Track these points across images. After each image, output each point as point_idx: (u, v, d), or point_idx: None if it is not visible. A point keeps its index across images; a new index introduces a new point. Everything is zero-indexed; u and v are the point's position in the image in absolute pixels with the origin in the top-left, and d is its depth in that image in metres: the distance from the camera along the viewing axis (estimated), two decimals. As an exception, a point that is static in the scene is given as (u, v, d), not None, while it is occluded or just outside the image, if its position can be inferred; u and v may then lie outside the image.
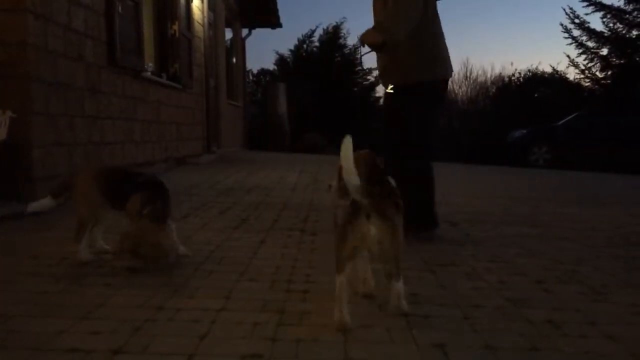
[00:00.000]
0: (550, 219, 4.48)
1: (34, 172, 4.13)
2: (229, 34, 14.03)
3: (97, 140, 5.23)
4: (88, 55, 5.06)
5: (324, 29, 21.43)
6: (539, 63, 41.93)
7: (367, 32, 3.31)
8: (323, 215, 4.24)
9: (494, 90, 20.22)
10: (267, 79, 21.41)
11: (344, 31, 21.41)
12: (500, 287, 2.46)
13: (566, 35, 18.13)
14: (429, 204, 3.40)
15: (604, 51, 17.79)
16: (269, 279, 2.50)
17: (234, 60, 14.32)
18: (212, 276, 2.54)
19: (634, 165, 11.42)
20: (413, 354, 1.73)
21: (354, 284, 2.15)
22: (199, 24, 9.57)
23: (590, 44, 17.91)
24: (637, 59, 17.15)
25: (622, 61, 17.39)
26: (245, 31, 15.15)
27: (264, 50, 52.44)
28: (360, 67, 20.87)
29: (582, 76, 18.33)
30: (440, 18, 3.42)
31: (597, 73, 17.97)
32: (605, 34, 17.60)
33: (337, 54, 21.14)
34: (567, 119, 13.53)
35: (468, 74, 21.19)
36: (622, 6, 17.24)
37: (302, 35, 21.67)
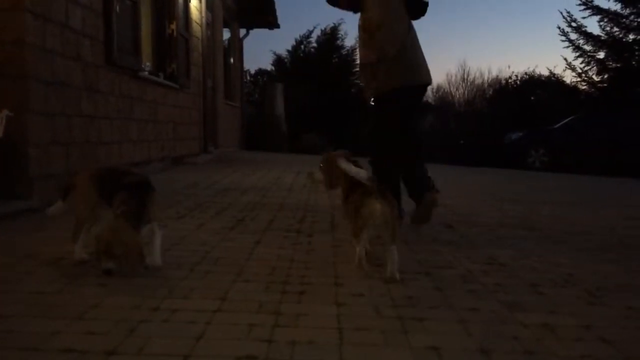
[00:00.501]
0: (546, 221, 4.49)
1: (31, 171, 4.12)
2: (226, 34, 14.04)
3: (94, 140, 5.23)
4: (85, 55, 5.05)
5: (321, 30, 21.48)
6: (536, 66, 42.60)
7: (362, 52, 3.85)
8: (319, 217, 4.24)
9: (491, 92, 20.30)
10: (265, 79, 21.41)
11: (342, 32, 21.44)
12: (495, 290, 2.46)
13: (563, 38, 18.25)
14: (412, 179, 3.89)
15: (601, 55, 17.90)
16: (265, 280, 2.49)
17: (232, 60, 14.33)
18: (208, 277, 2.54)
19: (630, 168, 11.47)
20: (407, 356, 1.74)
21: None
22: (197, 23, 9.57)
23: (587, 47, 18.02)
24: (633, 62, 17.24)
25: (618, 65, 17.48)
26: (243, 31, 15.16)
27: (261, 50, 52.56)
28: (357, 69, 20.88)
29: (578, 79, 18.46)
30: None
31: (594, 76, 18.09)
32: (602, 38, 17.69)
33: (334, 55, 21.16)
34: (564, 121, 13.57)
35: (465, 76, 21.33)
36: (619, 10, 17.35)
37: (300, 36, 21.73)
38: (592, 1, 17.50)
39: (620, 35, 17.48)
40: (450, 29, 50.61)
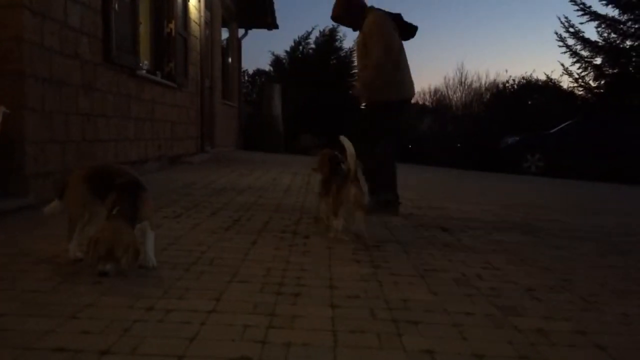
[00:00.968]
0: (541, 226, 4.51)
1: (27, 169, 4.10)
2: (225, 34, 14.02)
3: (90, 138, 5.21)
4: (84, 53, 5.04)
5: (320, 31, 21.43)
6: (533, 71, 42.91)
7: (356, 90, 4.89)
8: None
9: (488, 96, 20.32)
10: (263, 79, 21.38)
11: (340, 34, 21.37)
12: (490, 294, 2.46)
13: (561, 44, 18.24)
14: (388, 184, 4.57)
15: (598, 60, 17.92)
16: (260, 281, 2.49)
17: (230, 60, 14.31)
18: (203, 277, 2.54)
19: (626, 174, 11.50)
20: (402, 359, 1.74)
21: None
22: (196, 23, 9.56)
23: (584, 53, 18.03)
24: (630, 68, 17.28)
25: (615, 70, 17.51)
26: (241, 31, 15.14)
27: (259, 50, 52.52)
28: (355, 71, 20.89)
29: (575, 85, 18.46)
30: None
31: (591, 82, 18.09)
32: (600, 44, 17.72)
33: (332, 57, 21.13)
34: (560, 126, 13.60)
35: (463, 80, 21.32)
36: (616, 16, 17.37)
37: (298, 37, 21.64)
38: (590, 7, 17.56)
39: (618, 42, 17.52)
40: (449, 32, 50.74)
